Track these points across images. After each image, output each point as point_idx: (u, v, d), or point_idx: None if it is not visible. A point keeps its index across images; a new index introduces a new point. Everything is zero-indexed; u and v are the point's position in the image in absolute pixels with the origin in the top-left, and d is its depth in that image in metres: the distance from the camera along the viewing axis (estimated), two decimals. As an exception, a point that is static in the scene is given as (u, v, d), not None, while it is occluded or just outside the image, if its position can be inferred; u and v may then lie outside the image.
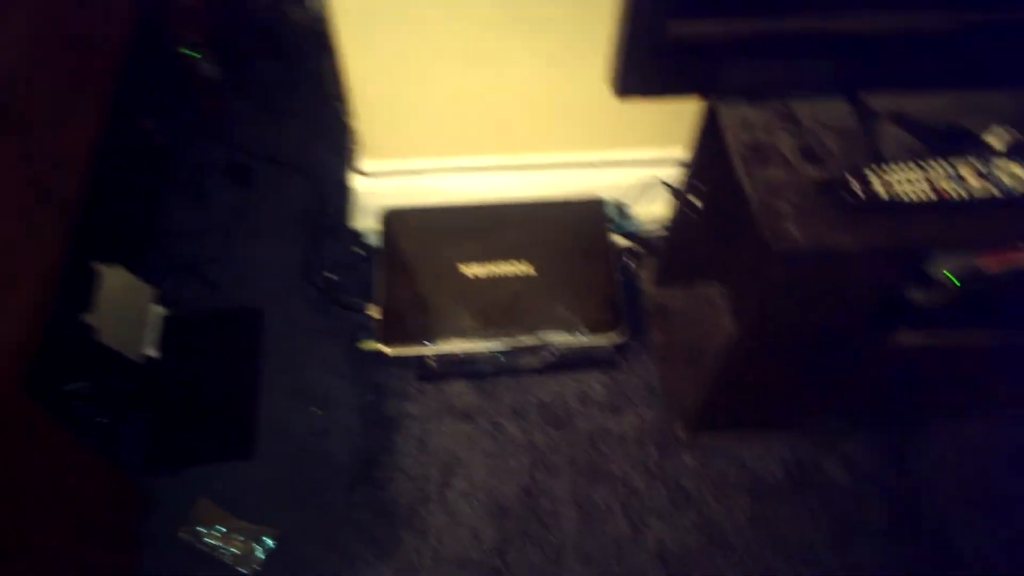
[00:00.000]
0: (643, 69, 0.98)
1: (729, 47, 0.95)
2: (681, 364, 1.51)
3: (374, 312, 1.47)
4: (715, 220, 1.35)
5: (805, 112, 1.03)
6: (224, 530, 1.33)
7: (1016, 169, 0.94)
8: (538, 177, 1.58)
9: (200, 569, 1.32)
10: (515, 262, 1.49)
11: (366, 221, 1.62)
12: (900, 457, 1.45)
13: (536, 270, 1.49)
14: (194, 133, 1.85)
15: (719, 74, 1.01)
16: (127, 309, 1.44)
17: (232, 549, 1.32)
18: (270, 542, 1.34)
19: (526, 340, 1.43)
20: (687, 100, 1.09)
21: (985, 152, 0.96)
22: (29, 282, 1.10)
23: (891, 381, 1.32)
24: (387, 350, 1.43)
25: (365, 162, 1.55)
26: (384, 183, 1.57)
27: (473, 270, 1.49)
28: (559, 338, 1.43)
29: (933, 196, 0.92)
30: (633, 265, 1.63)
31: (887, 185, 0.93)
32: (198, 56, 1.74)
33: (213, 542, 1.32)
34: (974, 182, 0.92)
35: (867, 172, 0.94)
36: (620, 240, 1.60)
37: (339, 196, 1.66)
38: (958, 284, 1.01)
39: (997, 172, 0.94)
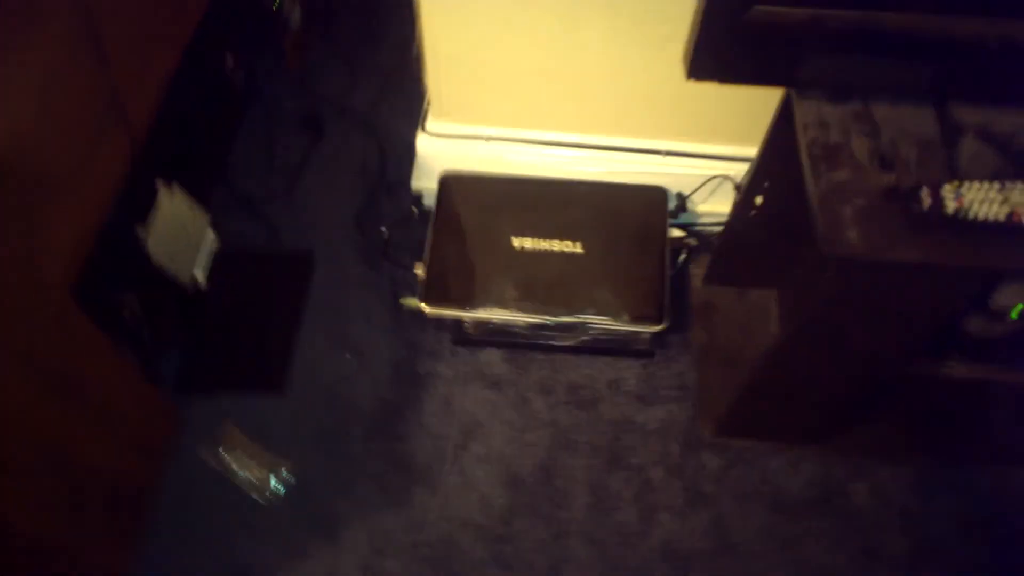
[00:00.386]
0: (718, 52, 0.95)
1: (813, 38, 0.92)
2: (719, 365, 1.48)
3: (419, 271, 1.48)
4: (774, 222, 1.32)
5: (886, 116, 0.99)
6: (244, 456, 1.37)
7: (1106, 205, 0.88)
8: (601, 158, 1.56)
9: (216, 491, 1.36)
10: (566, 241, 1.48)
11: (426, 182, 1.63)
12: (931, 493, 1.39)
13: (586, 251, 1.47)
14: (274, 77, 1.89)
15: (798, 65, 0.97)
16: (183, 233, 1.48)
17: (249, 475, 1.35)
18: (286, 475, 1.37)
19: (566, 319, 1.41)
20: (761, 90, 1.05)
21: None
22: (91, 189, 1.14)
23: (933, 411, 1.27)
24: (427, 309, 1.44)
25: (431, 123, 1.56)
26: (447, 145, 1.57)
27: (522, 243, 1.48)
28: (599, 322, 1.41)
29: (1008, 219, 0.87)
30: (685, 259, 1.60)
31: (960, 201, 0.88)
32: (286, 2, 1.78)
33: (231, 465, 1.36)
34: (1054, 209, 0.87)
35: (941, 186, 0.89)
36: (676, 232, 1.57)
37: (404, 155, 1.68)
38: (1015, 317, 0.95)
39: (1082, 203, 0.88)
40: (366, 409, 1.46)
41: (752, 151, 1.25)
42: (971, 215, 0.88)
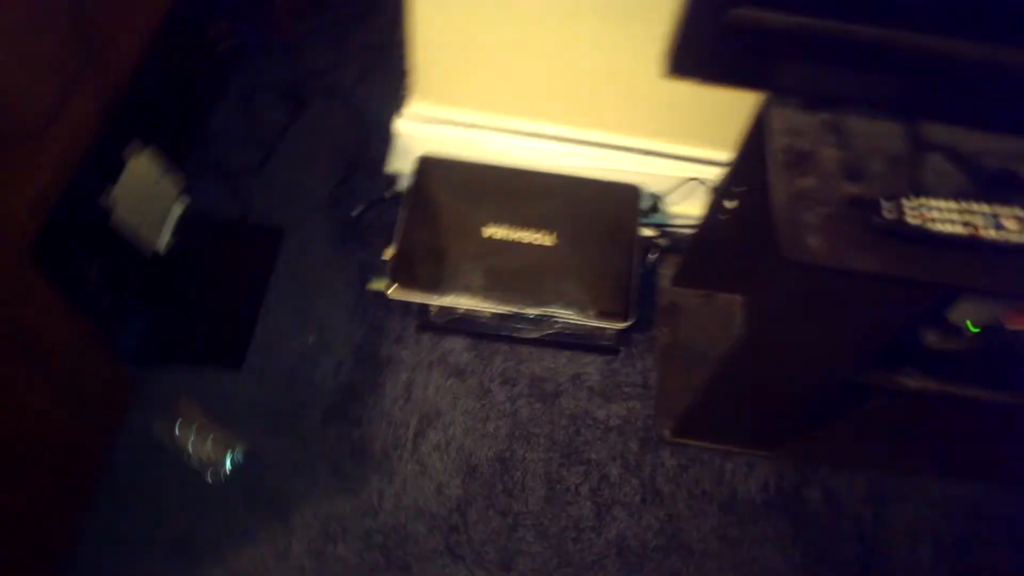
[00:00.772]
0: (698, 51, 0.95)
1: (791, 44, 0.92)
2: (680, 366, 1.49)
3: (388, 254, 1.46)
4: (744, 227, 1.32)
5: (858, 129, 0.99)
6: (198, 433, 1.35)
7: (1066, 227, 0.89)
8: (579, 153, 1.55)
9: (166, 467, 1.34)
10: (538, 232, 1.47)
11: (402, 164, 1.61)
12: (883, 501, 1.41)
13: (557, 244, 1.47)
14: (260, 47, 1.86)
15: (775, 71, 0.97)
16: (151, 198, 1.45)
17: (201, 454, 1.33)
18: (240, 455, 1.35)
19: (531, 310, 1.41)
20: (740, 96, 1.05)
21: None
22: (59, 143, 1.11)
23: (888, 422, 1.29)
24: (392, 293, 1.43)
25: (411, 104, 1.54)
26: (426, 129, 1.56)
27: (494, 231, 1.47)
28: (565, 315, 1.41)
29: (968, 237, 0.88)
30: (655, 259, 1.61)
31: (922, 216, 0.89)
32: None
33: (185, 443, 1.34)
34: (1013, 228, 0.88)
35: (903, 199, 0.90)
36: (648, 232, 1.58)
37: (382, 137, 1.66)
38: (974, 331, 0.97)
39: (1041, 225, 0.89)
40: (325, 391, 1.45)
41: (726, 156, 1.25)
42: (932, 230, 0.89)
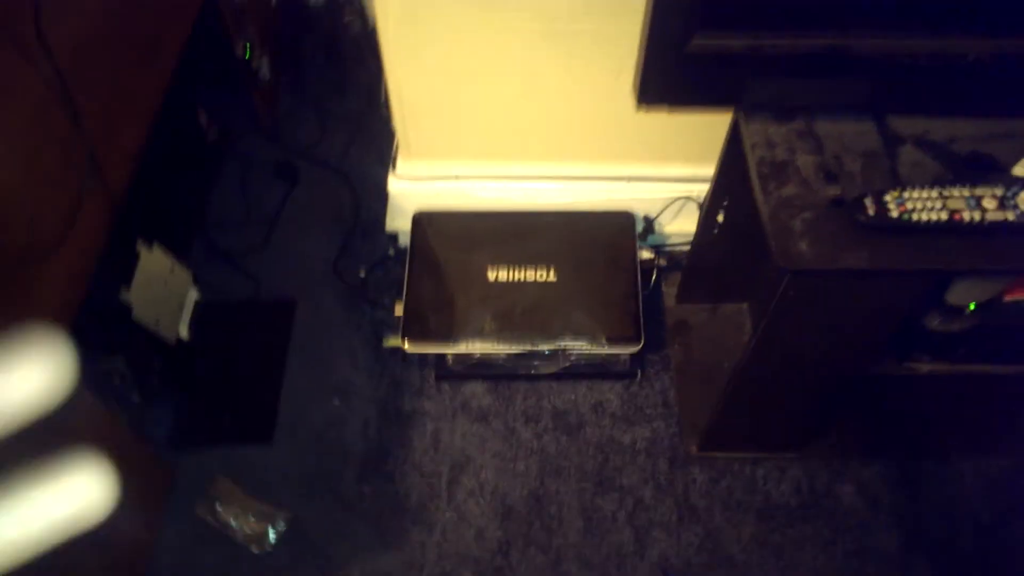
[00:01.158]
0: (664, 80, 0.99)
1: (752, 63, 0.96)
2: (698, 380, 1.51)
3: (398, 310, 1.50)
4: (737, 237, 1.36)
5: (829, 132, 1.04)
6: (240, 509, 1.38)
7: (1041, 199, 0.92)
8: (568, 188, 1.60)
9: (213, 545, 1.36)
10: (540, 269, 1.51)
11: (400, 222, 1.66)
12: (915, 484, 1.42)
13: (560, 278, 1.50)
14: (246, 129, 1.93)
15: (741, 89, 1.02)
16: (166, 291, 1.50)
17: (245, 528, 1.36)
18: (282, 524, 1.38)
19: (545, 346, 1.44)
20: (711, 113, 1.10)
21: (1013, 183, 0.95)
22: (71, 254, 1.16)
23: (906, 408, 1.30)
24: (408, 347, 1.47)
25: (401, 165, 1.60)
26: (418, 186, 1.61)
27: (497, 274, 1.51)
28: (578, 346, 1.45)
29: (949, 221, 0.92)
30: (657, 279, 1.64)
31: (903, 207, 0.93)
32: (255, 56, 1.82)
33: (228, 520, 1.37)
34: (992, 207, 0.92)
35: (884, 194, 0.94)
36: (646, 254, 1.61)
37: (377, 198, 1.71)
38: (972, 308, 0.99)
39: (1019, 201, 0.92)
40: (356, 451, 1.48)
41: (711, 171, 1.29)
42: (914, 219, 0.92)
